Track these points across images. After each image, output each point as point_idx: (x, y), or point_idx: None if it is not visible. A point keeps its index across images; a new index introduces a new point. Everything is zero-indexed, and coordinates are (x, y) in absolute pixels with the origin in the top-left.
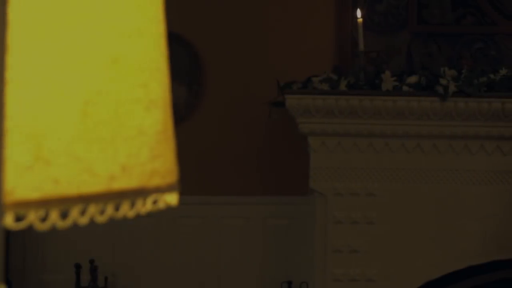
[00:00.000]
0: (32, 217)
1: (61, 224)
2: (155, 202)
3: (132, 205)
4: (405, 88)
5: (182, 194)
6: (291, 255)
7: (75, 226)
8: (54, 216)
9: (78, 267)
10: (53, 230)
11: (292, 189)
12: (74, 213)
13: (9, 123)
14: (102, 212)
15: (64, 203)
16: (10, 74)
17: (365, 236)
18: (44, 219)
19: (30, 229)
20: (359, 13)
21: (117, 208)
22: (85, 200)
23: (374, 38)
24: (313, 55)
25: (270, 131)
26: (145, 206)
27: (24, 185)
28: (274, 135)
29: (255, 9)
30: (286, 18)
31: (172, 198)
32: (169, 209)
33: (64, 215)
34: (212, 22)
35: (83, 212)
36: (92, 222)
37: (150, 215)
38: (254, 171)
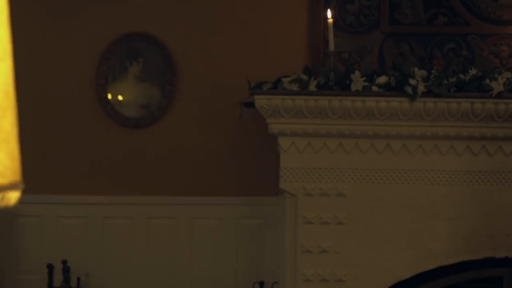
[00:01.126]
0: None
1: None
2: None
3: None
4: (374, 88)
5: (155, 194)
6: (264, 255)
7: (48, 227)
8: None
9: (50, 267)
10: (27, 231)
11: (265, 190)
12: None
13: None
14: None
15: None
16: None
17: (335, 237)
18: None
19: (3, 229)
20: (329, 13)
21: None
22: None
23: (346, 39)
24: (286, 55)
25: (243, 132)
26: None
27: None
28: (248, 135)
29: (227, 10)
30: (259, 18)
31: (14, 196)
32: (142, 209)
33: None
34: (185, 24)
35: None
36: (64, 223)
37: (123, 216)
38: (227, 171)
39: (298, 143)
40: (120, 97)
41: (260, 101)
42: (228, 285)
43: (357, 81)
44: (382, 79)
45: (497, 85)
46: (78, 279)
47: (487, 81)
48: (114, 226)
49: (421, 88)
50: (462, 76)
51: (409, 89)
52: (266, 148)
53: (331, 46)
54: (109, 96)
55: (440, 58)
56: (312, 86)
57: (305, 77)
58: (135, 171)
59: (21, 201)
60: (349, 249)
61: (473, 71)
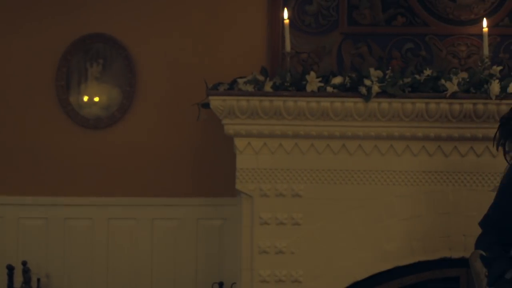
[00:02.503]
0: None
1: None
2: None
3: None
4: (329, 89)
5: (115, 195)
6: (224, 256)
7: (8, 229)
8: None
9: (10, 269)
10: None
11: (225, 190)
12: None
13: None
14: None
15: None
16: None
17: (291, 237)
18: None
19: None
20: (286, 14)
21: None
22: None
23: (304, 39)
24: (246, 56)
25: (203, 132)
26: None
27: None
28: (208, 136)
29: (186, 11)
30: (218, 19)
31: None
32: (102, 210)
33: None
34: (144, 25)
35: None
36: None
37: (83, 217)
38: (187, 172)
39: (254, 144)
40: (80, 98)
41: (215, 102)
42: (188, 286)
43: (313, 82)
44: (337, 80)
45: (452, 86)
46: (38, 280)
47: (442, 81)
48: (75, 227)
49: (376, 88)
50: (417, 76)
51: (363, 90)
52: (226, 149)
53: (287, 47)
54: (69, 97)
55: (398, 59)
56: (268, 87)
57: (261, 78)
58: (95, 172)
59: None
60: (305, 250)
61: (428, 72)
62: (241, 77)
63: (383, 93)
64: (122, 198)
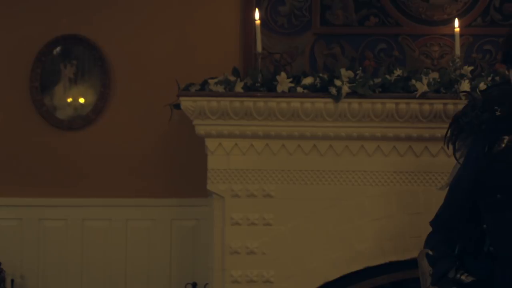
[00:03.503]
0: None
1: None
2: None
3: None
4: (299, 89)
5: (89, 196)
6: (197, 256)
7: None
8: None
9: None
10: None
11: (199, 191)
12: None
13: None
14: None
15: None
16: None
17: (262, 238)
18: None
19: None
20: (257, 14)
21: None
22: None
23: (277, 40)
24: (219, 56)
25: (177, 133)
26: None
27: None
28: (181, 136)
29: (160, 11)
30: (192, 19)
31: None
32: (77, 211)
33: None
34: (118, 26)
35: None
36: None
37: (57, 217)
38: (161, 173)
39: (225, 145)
40: (54, 100)
41: (186, 103)
42: (162, 286)
43: (283, 82)
44: (308, 81)
45: (421, 86)
46: (12, 281)
47: (413, 81)
48: (49, 227)
49: (346, 89)
50: (388, 77)
51: (333, 90)
52: (199, 150)
53: (259, 48)
54: (43, 99)
55: (371, 59)
56: (239, 88)
57: (232, 79)
58: (69, 173)
59: None
60: (276, 250)
61: (398, 72)
62: (212, 78)
63: (353, 94)
64: (96, 199)
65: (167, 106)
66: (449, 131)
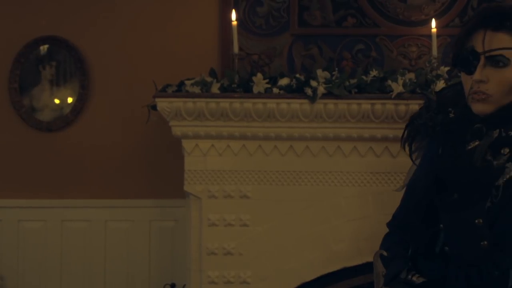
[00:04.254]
0: None
1: None
2: None
3: None
4: (275, 90)
5: (68, 197)
6: (176, 257)
7: None
8: None
9: None
10: None
11: (177, 192)
12: None
13: None
14: None
15: None
16: None
17: (239, 239)
18: None
19: None
20: (234, 15)
21: None
22: None
23: (255, 41)
24: (198, 57)
25: (155, 134)
26: None
27: None
28: (160, 137)
29: (139, 12)
30: (171, 21)
31: None
32: (56, 212)
33: None
34: (97, 27)
35: None
36: None
37: (37, 219)
38: (139, 174)
39: (202, 146)
40: (33, 101)
41: (162, 104)
42: (140, 287)
43: (259, 83)
44: (284, 81)
45: (397, 86)
46: None
47: (389, 82)
48: (28, 229)
49: (321, 89)
50: (364, 77)
51: (309, 91)
52: (178, 150)
53: (235, 48)
54: (22, 100)
55: (349, 60)
56: (215, 89)
57: (209, 80)
58: (49, 174)
59: None
60: (253, 251)
61: (374, 72)
62: (189, 79)
63: (329, 94)
64: (75, 200)
65: (144, 107)
66: (405, 133)
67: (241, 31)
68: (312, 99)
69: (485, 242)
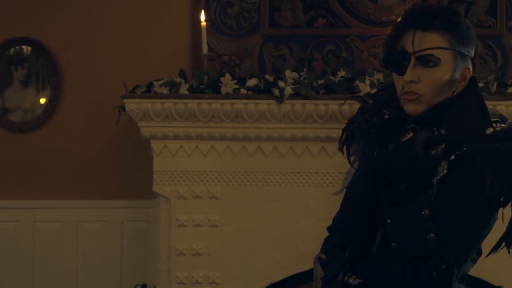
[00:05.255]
0: None
1: None
2: None
3: None
4: (243, 91)
5: (39, 198)
6: (148, 258)
7: None
8: None
9: None
10: None
11: (149, 193)
12: None
13: None
14: None
15: None
16: None
17: (208, 239)
18: None
19: None
20: (203, 16)
21: None
22: None
23: (226, 41)
24: (170, 58)
25: (127, 135)
26: None
27: None
28: (131, 138)
29: (111, 14)
30: (143, 22)
31: None
32: (28, 213)
33: None
34: (68, 28)
35: None
36: None
37: (9, 220)
38: (111, 175)
39: (170, 146)
40: (5, 102)
41: (130, 105)
42: (112, 287)
43: (227, 84)
44: (252, 82)
45: (364, 86)
46: None
47: (357, 82)
48: (0, 229)
49: (289, 90)
50: (332, 78)
51: (276, 92)
52: (148, 151)
53: (204, 49)
54: None
55: (319, 60)
56: (184, 89)
57: (178, 80)
58: (21, 175)
59: None
60: (222, 252)
61: (342, 73)
62: (157, 80)
63: (297, 95)
64: (47, 201)
65: (113, 108)
66: (343, 136)
67: (212, 32)
68: (279, 99)
69: (432, 234)
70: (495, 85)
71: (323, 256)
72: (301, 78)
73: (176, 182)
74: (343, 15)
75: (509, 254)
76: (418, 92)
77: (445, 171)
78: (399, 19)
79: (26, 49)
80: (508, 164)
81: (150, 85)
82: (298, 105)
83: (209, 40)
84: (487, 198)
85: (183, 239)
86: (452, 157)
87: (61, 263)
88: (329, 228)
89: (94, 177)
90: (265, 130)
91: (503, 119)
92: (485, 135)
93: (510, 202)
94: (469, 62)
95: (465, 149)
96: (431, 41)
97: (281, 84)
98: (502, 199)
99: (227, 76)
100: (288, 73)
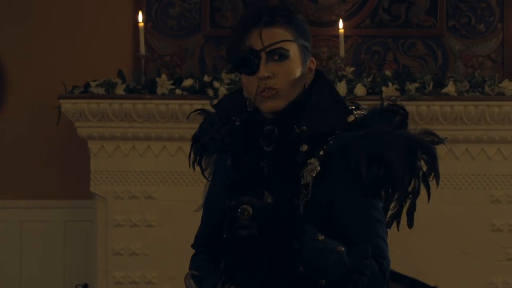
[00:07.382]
0: None
1: None
2: None
3: None
4: (178, 91)
5: None
6: (90, 258)
7: None
8: None
9: None
10: None
11: (91, 193)
12: None
13: None
14: None
15: None
16: None
17: (144, 239)
18: None
19: None
20: (140, 17)
21: None
22: None
23: (168, 42)
24: (113, 59)
25: (70, 135)
26: None
27: None
28: (75, 138)
29: (55, 13)
30: (86, 22)
31: None
32: None
33: None
34: (12, 28)
35: None
36: None
37: None
38: (54, 174)
39: (107, 147)
40: None
41: (66, 105)
42: (55, 287)
43: (163, 84)
44: (187, 82)
45: None
46: None
47: None
48: None
49: (223, 90)
50: None
51: (210, 92)
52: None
53: (142, 50)
54: None
55: None
56: (120, 90)
57: (115, 81)
58: None
59: None
60: (158, 252)
61: None
62: (94, 80)
63: None
64: None
65: (54, 108)
66: (191, 153)
67: (153, 32)
68: (213, 100)
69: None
70: (431, 85)
71: (195, 273)
72: (238, 79)
73: (113, 182)
74: None
75: (398, 230)
76: (275, 87)
77: (318, 168)
78: (236, 24)
79: None
80: (379, 149)
81: (87, 86)
82: None
83: (150, 40)
84: (367, 186)
85: (120, 239)
86: (321, 152)
87: (3, 262)
88: (193, 246)
89: (37, 177)
90: None
91: (357, 106)
92: (347, 123)
93: (388, 185)
94: (310, 54)
95: (331, 142)
96: (278, 34)
97: (216, 84)
98: (379, 183)
99: (163, 76)
100: (224, 74)
